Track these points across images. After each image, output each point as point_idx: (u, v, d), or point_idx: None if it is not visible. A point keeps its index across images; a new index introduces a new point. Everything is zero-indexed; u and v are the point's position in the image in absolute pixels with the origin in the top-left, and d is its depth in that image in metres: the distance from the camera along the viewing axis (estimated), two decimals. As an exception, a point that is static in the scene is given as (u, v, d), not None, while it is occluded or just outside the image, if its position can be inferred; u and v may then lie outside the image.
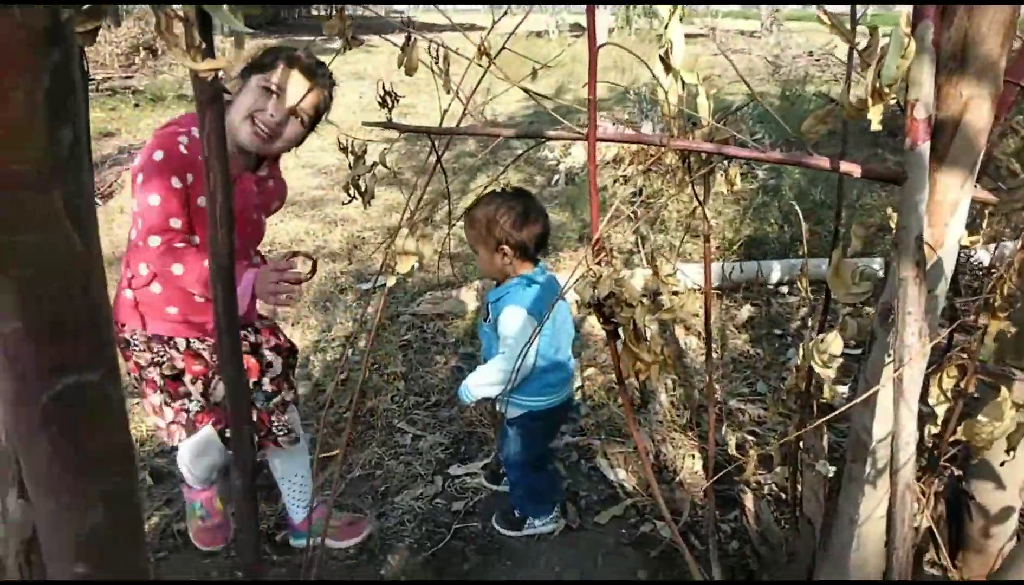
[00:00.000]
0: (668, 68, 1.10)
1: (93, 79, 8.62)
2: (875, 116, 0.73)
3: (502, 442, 1.73)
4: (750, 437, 2.08)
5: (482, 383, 1.59)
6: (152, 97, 8.61)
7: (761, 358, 2.52)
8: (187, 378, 1.53)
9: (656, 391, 2.27)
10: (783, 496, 1.75)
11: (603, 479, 1.96)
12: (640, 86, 6.52)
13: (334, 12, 1.06)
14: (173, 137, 1.36)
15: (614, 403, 2.27)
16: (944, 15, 0.74)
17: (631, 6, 16.58)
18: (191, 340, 1.52)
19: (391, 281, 1.06)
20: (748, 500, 1.55)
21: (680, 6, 1.16)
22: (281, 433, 1.62)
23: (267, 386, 1.60)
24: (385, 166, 1.11)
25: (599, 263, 0.95)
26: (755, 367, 2.48)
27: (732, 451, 1.86)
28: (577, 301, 2.55)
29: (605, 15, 16.87)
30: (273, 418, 1.61)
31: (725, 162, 1.26)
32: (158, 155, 1.34)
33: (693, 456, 2.00)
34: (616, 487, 1.93)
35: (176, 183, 1.34)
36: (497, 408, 1.64)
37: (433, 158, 1.16)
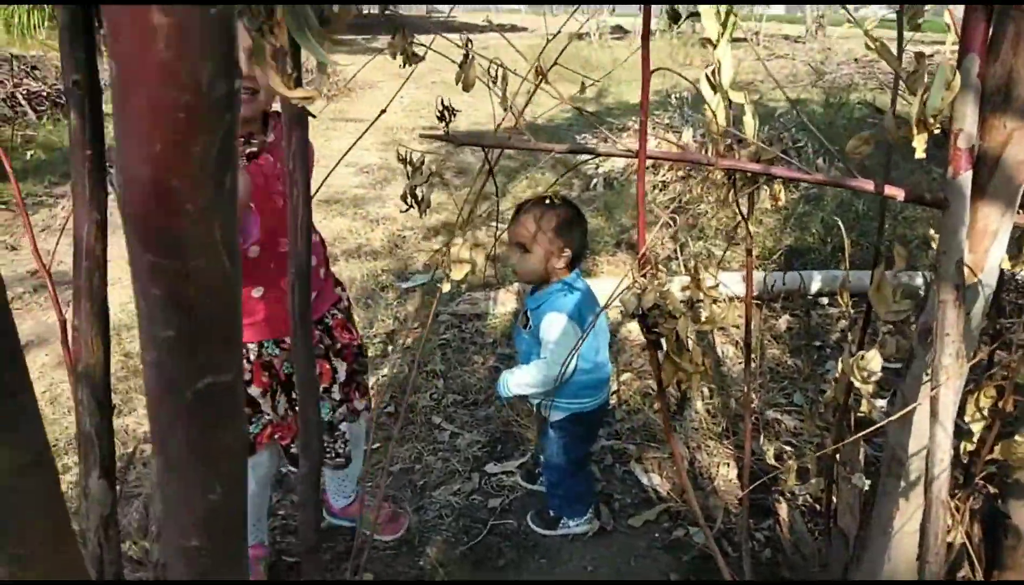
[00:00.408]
0: (715, 87, 1.13)
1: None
2: (919, 144, 0.75)
3: (544, 444, 1.77)
4: (787, 448, 2.09)
5: (522, 383, 1.63)
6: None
7: (799, 369, 2.52)
8: (255, 391, 1.47)
9: (692, 399, 2.29)
10: (816, 507, 1.77)
11: (637, 483, 1.99)
12: (682, 91, 6.51)
13: (395, 33, 1.11)
14: None
15: (649, 408, 2.30)
16: (991, 50, 0.76)
17: (673, 8, 16.46)
18: (264, 344, 1.47)
19: (446, 287, 1.11)
20: (783, 510, 1.57)
21: (730, 21, 1.19)
22: (329, 455, 1.61)
23: (336, 394, 1.58)
24: (441, 177, 1.17)
25: (644, 275, 0.99)
26: (792, 378, 2.48)
27: (770, 461, 1.88)
28: (621, 311, 2.59)
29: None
30: (327, 435, 1.59)
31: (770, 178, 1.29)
32: None
33: (728, 464, 2.02)
34: (650, 492, 1.96)
35: None
36: (540, 412, 1.68)
37: (483, 164, 1.21)
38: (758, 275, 3.18)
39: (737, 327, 2.64)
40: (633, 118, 6.34)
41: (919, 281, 2.61)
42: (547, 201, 1.54)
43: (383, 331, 2.94)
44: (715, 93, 1.12)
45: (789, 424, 2.22)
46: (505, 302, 3.07)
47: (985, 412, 1.00)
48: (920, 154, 0.76)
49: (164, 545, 0.46)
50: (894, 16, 1.08)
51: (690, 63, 12.28)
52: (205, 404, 0.35)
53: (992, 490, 1.09)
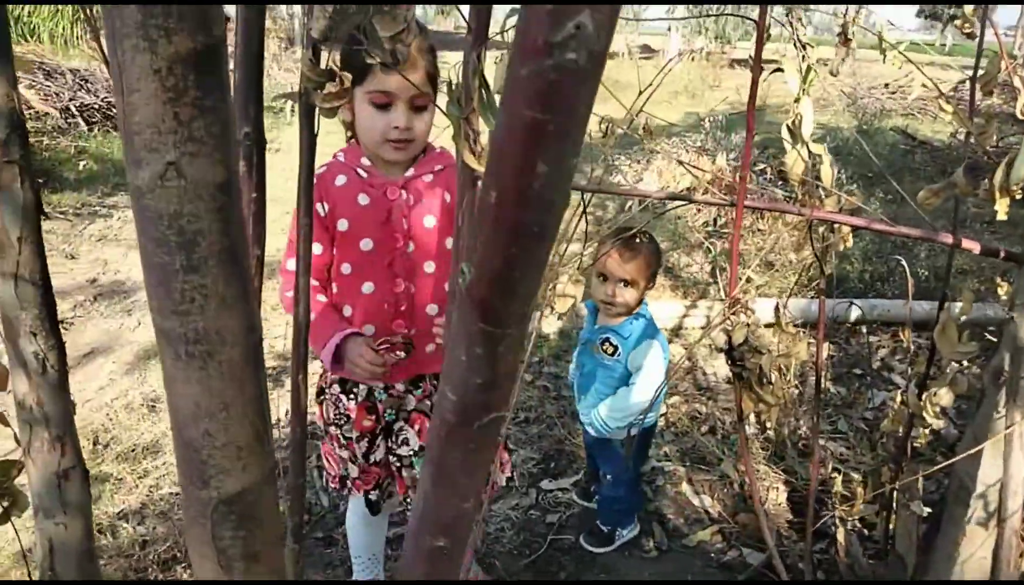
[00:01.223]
0: (796, 138, 1.23)
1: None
2: (1002, 208, 0.84)
3: (608, 460, 1.85)
4: (834, 474, 2.16)
5: (621, 411, 1.70)
6: (242, 107, 8.99)
7: (842, 397, 2.59)
8: (353, 433, 1.45)
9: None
10: (866, 532, 1.83)
11: (689, 504, 2.07)
12: (714, 113, 6.59)
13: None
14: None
15: (697, 431, 2.38)
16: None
17: (703, 31, 16.60)
18: (373, 388, 1.44)
19: (552, 321, 1.20)
20: (840, 534, 1.64)
21: (810, 77, 1.28)
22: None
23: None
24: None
25: (735, 313, 1.08)
26: (836, 405, 2.55)
27: (817, 485, 1.95)
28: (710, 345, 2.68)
29: (676, 38, 16.96)
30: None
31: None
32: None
33: (777, 488, 2.09)
34: (701, 512, 2.03)
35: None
36: (629, 432, 1.75)
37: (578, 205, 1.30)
38: (803, 302, 3.25)
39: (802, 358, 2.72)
40: (665, 139, 6.43)
41: (990, 313, 2.66)
42: (640, 238, 1.65)
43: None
44: (796, 143, 1.22)
45: (835, 450, 2.29)
46: (550, 324, 3.16)
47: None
48: (1002, 217, 0.85)
49: (408, 547, 0.56)
50: (922, 39, 1.17)
51: (719, 85, 12.38)
52: (484, 433, 0.45)
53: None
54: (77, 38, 10.27)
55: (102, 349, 3.09)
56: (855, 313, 3.20)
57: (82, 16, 10.50)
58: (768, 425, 1.21)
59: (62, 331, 0.95)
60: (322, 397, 1.49)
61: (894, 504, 1.44)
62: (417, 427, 1.45)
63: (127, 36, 0.44)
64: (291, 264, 1.31)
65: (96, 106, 6.41)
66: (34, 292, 0.91)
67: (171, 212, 0.48)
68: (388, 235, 1.35)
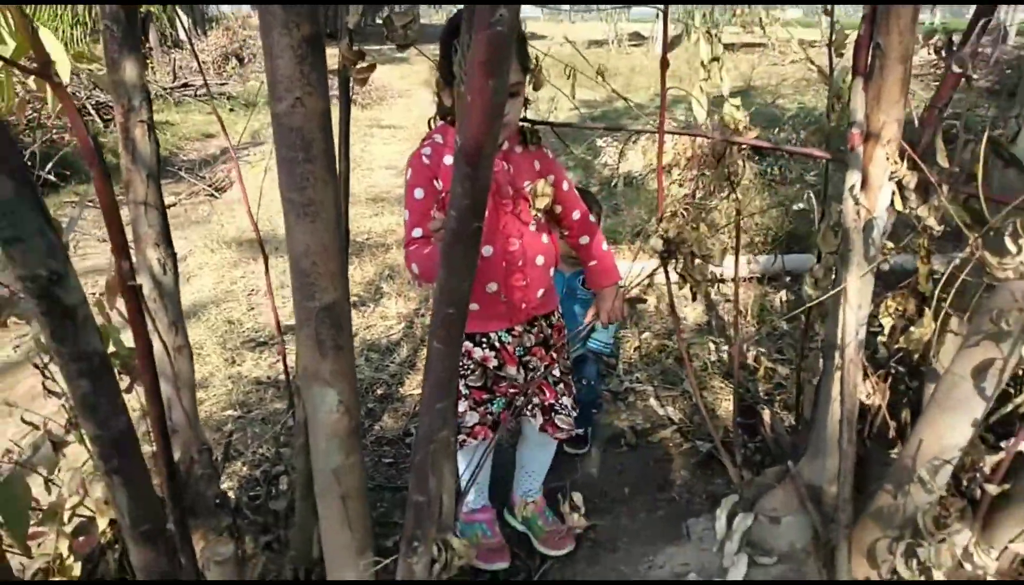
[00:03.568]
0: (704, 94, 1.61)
1: (191, 85, 9.50)
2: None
3: (587, 373, 2.23)
4: (776, 390, 2.56)
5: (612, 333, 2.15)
6: (245, 102, 9.39)
7: (791, 333, 2.99)
8: (510, 370, 1.66)
9: (702, 352, 2.76)
10: (789, 414, 2.23)
11: (655, 414, 2.47)
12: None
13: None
14: (418, 154, 1.54)
15: (666, 359, 2.77)
16: (870, 75, 1.23)
17: (692, 17, 16.89)
18: (500, 333, 1.64)
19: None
20: (765, 415, 2.03)
21: (720, 50, 1.66)
22: (562, 413, 1.73)
23: (556, 372, 1.74)
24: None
25: (665, 221, 1.48)
26: (785, 338, 2.95)
27: (762, 395, 2.35)
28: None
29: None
30: (562, 398, 1.73)
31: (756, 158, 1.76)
32: (408, 174, 1.54)
33: (727, 400, 2.49)
34: (665, 419, 2.43)
35: (419, 194, 1.50)
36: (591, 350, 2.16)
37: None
38: (764, 258, 3.64)
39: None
40: (648, 119, 6.78)
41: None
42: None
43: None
44: (703, 97, 1.60)
45: (782, 372, 2.69)
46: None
47: (892, 313, 1.47)
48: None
49: (434, 318, 0.94)
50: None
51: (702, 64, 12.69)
52: (473, 236, 0.84)
53: (901, 369, 1.56)
54: (77, 41, 10.56)
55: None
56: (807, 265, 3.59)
57: (84, 20, 10.84)
58: (697, 294, 1.59)
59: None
60: None
61: (801, 381, 1.83)
62: (538, 356, 1.70)
63: (275, 27, 0.83)
64: (416, 231, 1.48)
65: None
66: (156, 215, 1.30)
67: (297, 126, 0.87)
68: (497, 202, 1.53)
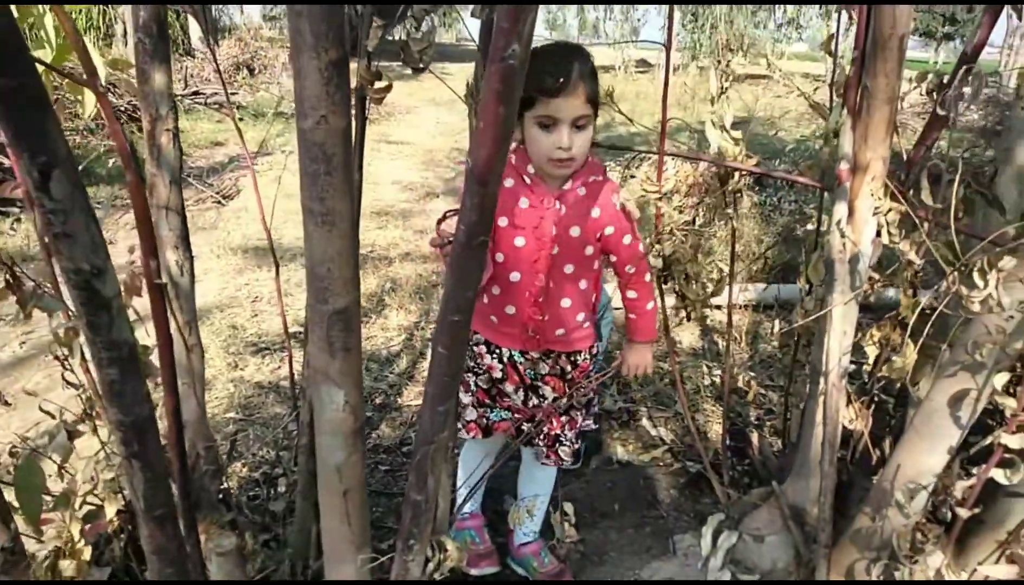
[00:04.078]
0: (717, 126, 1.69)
1: (202, 93, 9.63)
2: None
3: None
4: (767, 415, 2.62)
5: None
6: (254, 113, 9.52)
7: (783, 360, 3.04)
8: (509, 388, 1.72)
9: (695, 377, 2.82)
10: (778, 438, 2.29)
11: (647, 434, 2.52)
12: (699, 124, 7.08)
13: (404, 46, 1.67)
14: None
15: (660, 382, 2.83)
16: (858, 114, 1.31)
17: (698, 46, 17.13)
18: (512, 351, 1.69)
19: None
20: (755, 438, 2.09)
21: (727, 84, 1.73)
22: (566, 445, 1.77)
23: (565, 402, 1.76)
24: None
25: (660, 242, 1.54)
26: (777, 366, 3.00)
27: (751, 419, 2.41)
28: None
29: (671, 52, 17.51)
30: (566, 429, 1.77)
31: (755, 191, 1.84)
32: None
33: (719, 423, 2.54)
34: (656, 440, 2.49)
35: None
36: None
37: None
38: (760, 286, 3.71)
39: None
40: (650, 145, 6.87)
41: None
42: None
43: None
44: (717, 130, 1.67)
45: (774, 397, 2.74)
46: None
47: (876, 342, 1.53)
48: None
49: (438, 327, 1.00)
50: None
51: (710, 98, 12.87)
52: (479, 249, 0.90)
53: (885, 397, 1.62)
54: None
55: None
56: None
57: (98, 24, 11.00)
58: (692, 314, 1.65)
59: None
60: None
61: (789, 405, 1.89)
62: (551, 386, 1.74)
63: (305, 50, 0.90)
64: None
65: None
66: (177, 219, 1.36)
67: (320, 142, 0.94)
68: (538, 238, 1.56)
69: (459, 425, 1.74)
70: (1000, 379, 1.19)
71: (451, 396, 1.07)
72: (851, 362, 1.76)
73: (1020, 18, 1.95)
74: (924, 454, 1.38)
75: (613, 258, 1.67)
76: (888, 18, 1.25)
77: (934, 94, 1.45)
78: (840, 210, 1.34)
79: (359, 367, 1.12)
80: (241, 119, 9.14)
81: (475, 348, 1.72)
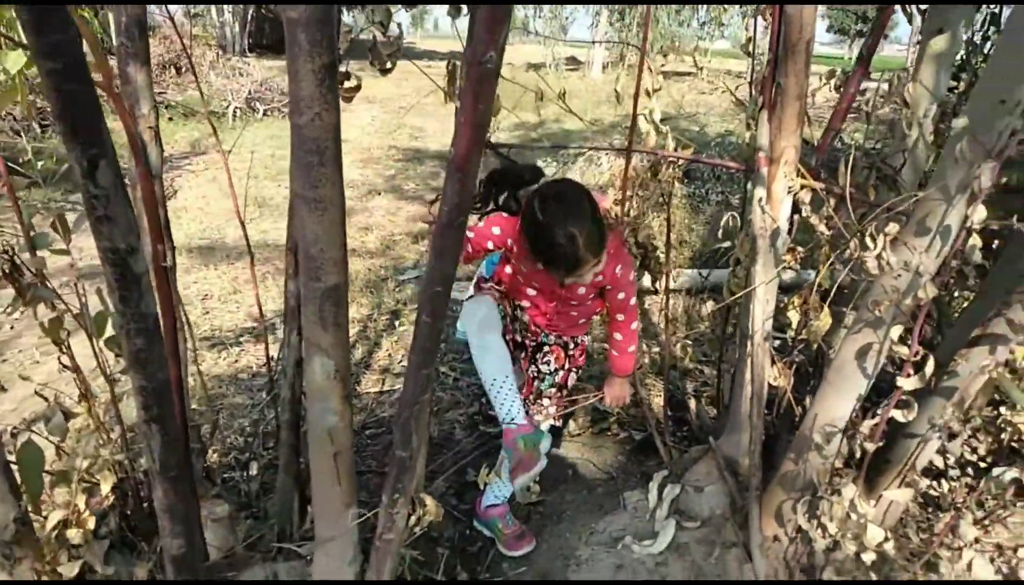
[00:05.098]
0: (648, 120, 1.87)
1: (128, 94, 9.36)
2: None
3: None
4: (703, 388, 2.84)
5: None
6: (184, 113, 9.33)
7: (716, 339, 3.28)
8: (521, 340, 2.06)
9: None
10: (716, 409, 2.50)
11: (595, 409, 2.71)
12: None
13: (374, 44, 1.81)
14: (492, 223, 1.86)
15: (605, 361, 3.02)
16: (773, 109, 1.51)
17: (625, 44, 17.55)
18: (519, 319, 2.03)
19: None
20: (692, 405, 2.29)
21: (660, 80, 1.91)
22: (541, 413, 2.04)
23: (559, 379, 2.08)
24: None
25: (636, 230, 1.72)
26: (711, 345, 3.24)
27: (688, 391, 2.61)
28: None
29: (600, 50, 17.91)
30: (547, 402, 2.06)
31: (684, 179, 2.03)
32: (487, 224, 1.86)
33: (660, 396, 2.75)
34: (605, 414, 2.67)
35: (496, 231, 1.85)
36: None
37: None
38: (692, 272, 3.95)
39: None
40: (584, 142, 7.09)
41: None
42: None
43: (388, 311, 3.61)
44: (648, 123, 1.85)
45: (708, 372, 2.97)
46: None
47: (797, 307, 1.74)
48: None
49: (421, 297, 1.14)
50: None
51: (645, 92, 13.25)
52: (458, 229, 1.04)
53: (803, 358, 1.84)
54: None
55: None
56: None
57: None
58: (657, 285, 1.83)
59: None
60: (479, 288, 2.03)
61: (721, 372, 2.10)
62: (554, 356, 2.05)
63: (301, 55, 1.03)
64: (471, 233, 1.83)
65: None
66: (159, 211, 1.46)
67: (315, 136, 1.07)
68: (550, 291, 1.91)
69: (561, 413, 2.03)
70: (896, 331, 1.41)
71: (433, 361, 1.21)
72: (775, 330, 1.98)
73: (911, 22, 2.21)
74: (836, 402, 1.59)
75: (609, 304, 1.94)
76: (796, 25, 1.46)
77: (840, 89, 1.67)
78: (759, 192, 1.54)
79: (347, 340, 1.25)
80: (171, 119, 8.96)
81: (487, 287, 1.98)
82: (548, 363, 2.05)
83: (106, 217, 0.84)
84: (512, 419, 1.78)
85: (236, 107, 9.42)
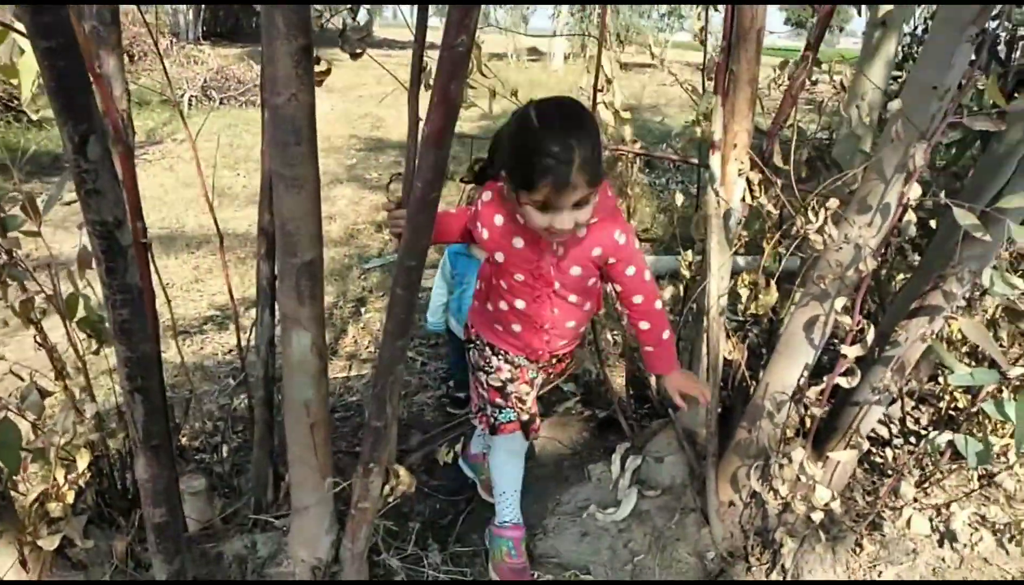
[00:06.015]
0: (607, 107, 1.94)
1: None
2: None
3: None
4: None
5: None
6: (138, 101, 9.13)
7: (676, 321, 3.39)
8: (523, 389, 1.76)
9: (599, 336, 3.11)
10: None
11: (559, 390, 2.79)
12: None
13: (344, 30, 1.86)
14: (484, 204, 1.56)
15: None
16: (727, 94, 1.59)
17: (586, 36, 17.68)
18: (519, 357, 1.72)
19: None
20: (652, 382, 2.39)
21: (618, 68, 1.98)
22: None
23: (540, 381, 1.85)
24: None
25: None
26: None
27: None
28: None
29: (561, 42, 18.02)
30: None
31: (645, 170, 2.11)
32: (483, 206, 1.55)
33: (622, 377, 2.84)
34: (568, 394, 2.75)
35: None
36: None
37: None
38: (651, 258, 4.06)
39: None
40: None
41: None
42: None
43: (354, 299, 3.63)
44: (608, 111, 1.92)
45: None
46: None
47: (747, 284, 1.84)
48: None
49: (398, 270, 1.19)
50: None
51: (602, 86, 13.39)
52: (433, 202, 1.10)
53: (756, 333, 1.94)
54: None
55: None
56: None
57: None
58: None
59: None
60: (470, 346, 1.79)
61: (680, 349, 2.19)
62: (543, 374, 1.84)
63: (277, 37, 1.07)
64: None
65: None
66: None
67: (291, 117, 1.11)
68: (538, 276, 1.54)
69: (487, 425, 1.77)
70: (839, 302, 1.51)
71: (406, 333, 1.26)
72: (730, 312, 2.08)
73: (860, 15, 2.32)
74: (786, 371, 1.69)
75: (619, 288, 1.59)
76: (748, 14, 1.54)
77: (791, 78, 1.76)
78: (714, 173, 1.62)
79: (323, 314, 1.30)
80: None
81: (483, 350, 1.74)
82: (538, 383, 1.85)
83: (95, 190, 0.87)
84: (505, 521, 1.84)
85: (192, 96, 9.25)
